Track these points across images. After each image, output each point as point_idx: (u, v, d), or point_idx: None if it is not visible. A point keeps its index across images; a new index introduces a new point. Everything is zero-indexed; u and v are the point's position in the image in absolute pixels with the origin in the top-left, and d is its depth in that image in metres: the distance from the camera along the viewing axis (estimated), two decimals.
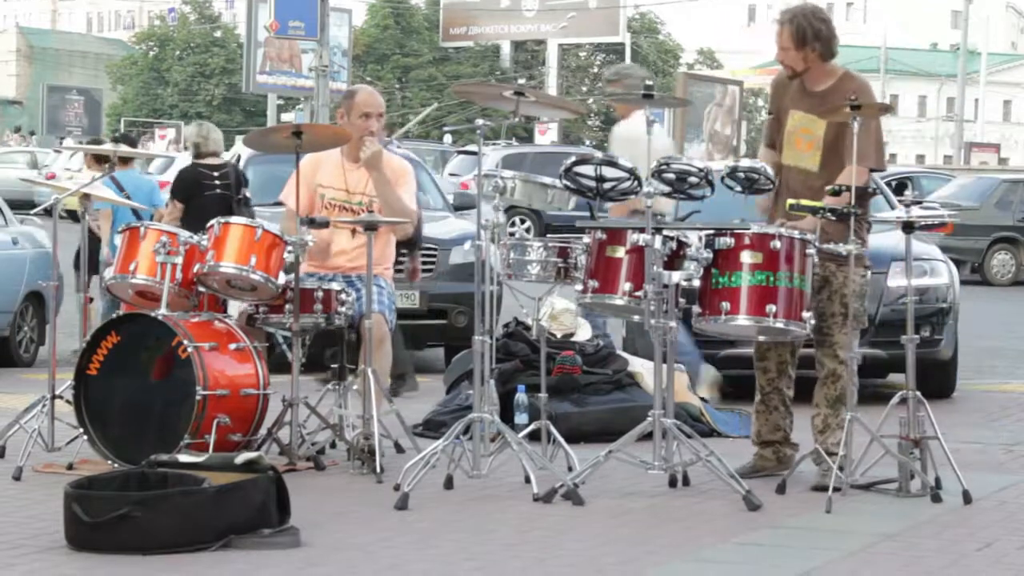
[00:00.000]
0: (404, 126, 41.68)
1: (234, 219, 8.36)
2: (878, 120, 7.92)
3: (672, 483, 7.61)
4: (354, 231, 8.58)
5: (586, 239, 7.60)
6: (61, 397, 8.25)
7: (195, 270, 8.17)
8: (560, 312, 9.94)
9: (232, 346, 8.03)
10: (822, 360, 7.81)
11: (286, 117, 46.15)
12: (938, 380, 11.11)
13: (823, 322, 7.69)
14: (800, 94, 7.93)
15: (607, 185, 7.69)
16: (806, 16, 7.87)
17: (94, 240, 12.17)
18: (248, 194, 12.36)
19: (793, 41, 7.83)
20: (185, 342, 7.79)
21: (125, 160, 13.28)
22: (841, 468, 7.27)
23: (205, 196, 11.98)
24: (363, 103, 8.76)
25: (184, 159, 20.22)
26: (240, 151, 15.18)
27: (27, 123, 69.06)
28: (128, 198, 11.87)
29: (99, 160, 13.32)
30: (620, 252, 7.45)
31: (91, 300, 9.25)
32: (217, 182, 12.19)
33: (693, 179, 7.53)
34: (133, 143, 17.20)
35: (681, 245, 7.39)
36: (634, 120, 10.26)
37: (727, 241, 7.34)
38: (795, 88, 7.96)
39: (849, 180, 7.46)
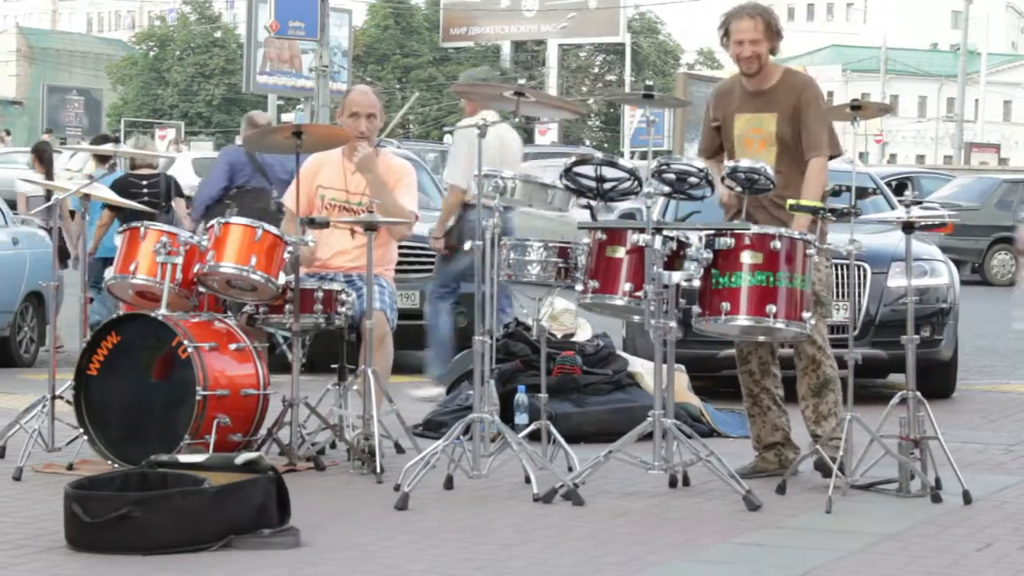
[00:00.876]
0: (404, 127, 41.73)
1: (234, 219, 8.36)
2: (826, 107, 7.97)
3: (672, 483, 7.61)
4: (353, 232, 8.58)
5: (586, 239, 7.60)
6: (61, 397, 8.25)
7: (195, 270, 8.17)
8: (560, 312, 9.95)
9: (232, 346, 8.03)
10: (801, 349, 7.83)
11: (286, 117, 46.16)
12: (938, 380, 11.11)
13: None
14: (743, 97, 8.02)
15: (607, 185, 7.69)
16: (767, 11, 8.00)
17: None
18: (177, 204, 13.35)
19: (765, 33, 7.89)
20: (185, 342, 7.79)
21: (103, 159, 14.14)
22: (841, 469, 7.28)
23: None
24: (351, 102, 8.78)
25: (184, 159, 20.29)
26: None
27: (27, 123, 69.01)
28: None
29: (101, 159, 14.26)
30: (620, 252, 7.45)
31: (91, 300, 9.24)
32: (145, 191, 12.95)
33: (693, 179, 7.53)
34: (109, 142, 17.31)
35: (681, 245, 7.40)
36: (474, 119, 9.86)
37: (727, 241, 7.34)
38: (738, 94, 8.05)
39: (820, 176, 7.58)
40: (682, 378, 9.64)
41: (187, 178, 21.52)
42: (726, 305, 7.32)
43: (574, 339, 9.97)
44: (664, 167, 7.52)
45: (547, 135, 54.83)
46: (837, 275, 10.17)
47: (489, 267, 7.57)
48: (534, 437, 8.07)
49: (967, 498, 7.30)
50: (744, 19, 7.91)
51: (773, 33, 7.93)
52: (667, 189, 7.57)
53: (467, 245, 7.70)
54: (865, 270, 10.88)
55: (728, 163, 7.66)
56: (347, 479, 7.88)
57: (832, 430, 7.65)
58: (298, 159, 8.29)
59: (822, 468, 7.58)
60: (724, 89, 8.19)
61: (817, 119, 7.83)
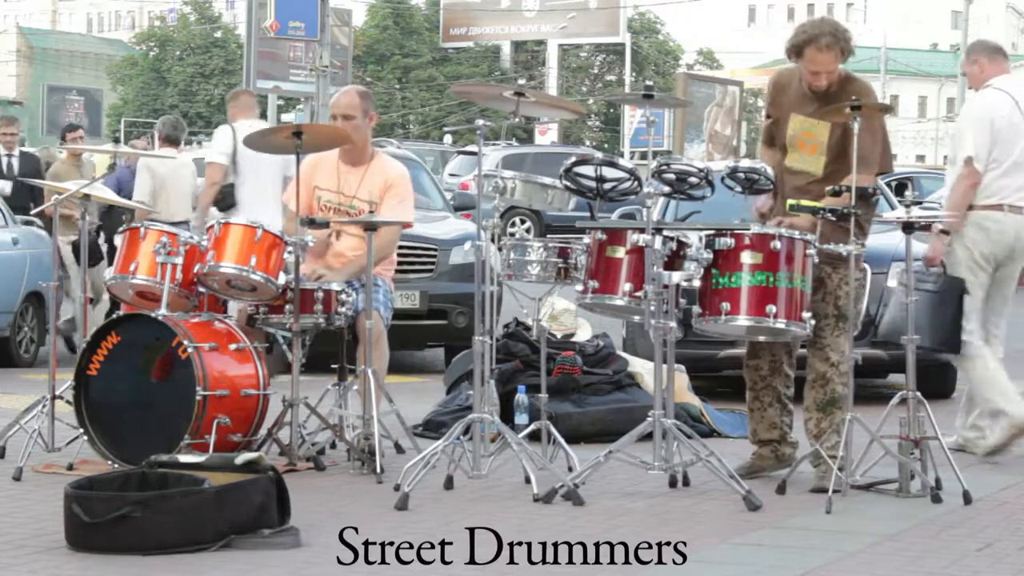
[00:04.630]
0: (404, 127, 41.74)
1: (234, 219, 8.36)
2: (883, 122, 7.90)
3: (672, 483, 7.61)
4: (339, 233, 8.55)
5: (586, 239, 7.60)
6: (61, 397, 8.25)
7: (195, 270, 8.17)
8: (560, 312, 9.95)
9: (232, 346, 8.03)
10: (812, 363, 7.81)
11: (286, 117, 46.13)
12: (938, 380, 11.10)
13: (816, 324, 7.68)
14: (801, 98, 7.89)
15: (607, 185, 7.69)
16: (843, 34, 7.77)
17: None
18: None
19: (839, 62, 7.75)
20: (185, 342, 7.79)
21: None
22: (841, 469, 7.27)
23: None
24: (331, 104, 8.82)
25: (185, 158, 20.26)
26: None
27: (27, 123, 69.01)
28: None
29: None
30: (620, 252, 7.45)
31: (91, 300, 9.24)
32: None
33: (693, 179, 7.52)
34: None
35: (681, 245, 7.39)
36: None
37: (727, 241, 7.34)
38: (795, 91, 7.92)
39: (856, 183, 7.46)
40: (682, 378, 9.64)
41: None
42: (726, 305, 7.32)
43: (574, 339, 9.97)
44: (664, 167, 7.51)
45: (547, 135, 54.89)
46: None
47: (489, 268, 7.58)
48: (534, 437, 8.07)
49: (967, 498, 7.30)
50: (823, 51, 7.68)
51: (845, 56, 7.75)
52: (667, 189, 7.56)
53: (467, 245, 7.71)
54: (865, 270, 10.86)
55: (728, 163, 7.66)
56: (347, 479, 7.88)
57: (831, 447, 7.60)
58: (298, 159, 8.29)
59: (819, 491, 7.48)
60: (781, 83, 8.03)
61: (869, 133, 7.60)
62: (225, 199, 12.08)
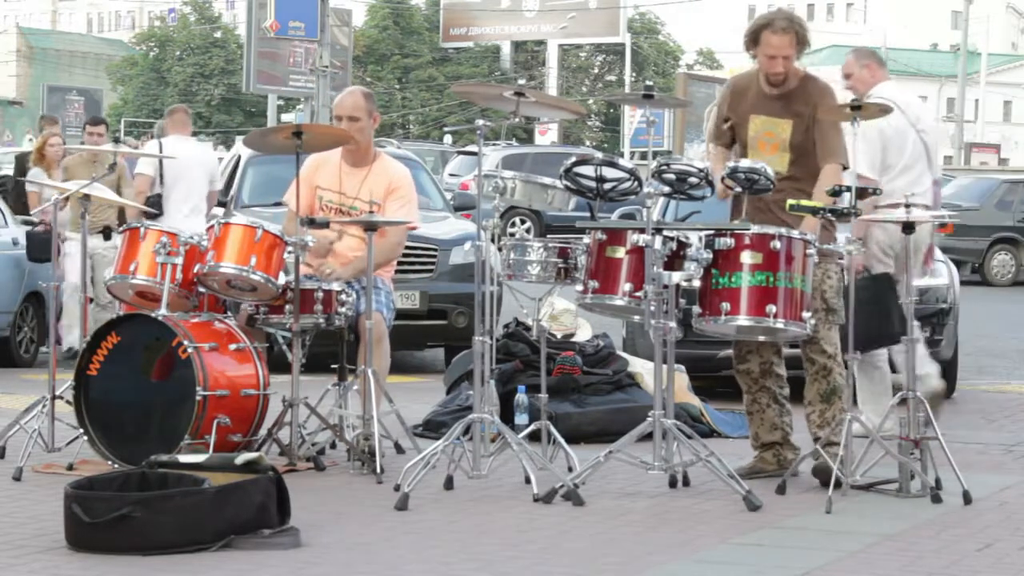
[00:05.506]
0: (404, 127, 41.75)
1: (234, 219, 8.36)
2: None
3: (672, 483, 7.61)
4: (341, 234, 8.55)
5: (586, 239, 7.60)
6: (61, 397, 8.25)
7: (195, 270, 8.17)
8: (560, 312, 9.95)
9: (232, 346, 8.03)
10: (811, 357, 7.83)
11: (286, 117, 46.11)
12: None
13: None
14: (760, 98, 7.96)
15: (607, 185, 7.69)
16: (799, 21, 7.94)
17: None
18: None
19: (795, 48, 7.84)
20: (185, 342, 7.79)
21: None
22: (840, 469, 7.27)
23: None
24: (335, 105, 8.82)
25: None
26: (240, 151, 15.16)
27: (27, 123, 68.98)
28: None
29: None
30: (620, 252, 7.45)
31: (91, 300, 9.24)
32: None
33: (693, 179, 7.53)
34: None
35: (681, 245, 7.39)
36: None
37: (727, 241, 7.34)
38: (754, 93, 8.00)
39: (834, 181, 7.56)
40: (682, 378, 9.64)
41: None
42: (726, 305, 7.32)
43: (574, 339, 9.97)
44: (664, 167, 7.51)
45: (547, 135, 54.89)
46: None
47: (489, 268, 7.58)
48: (534, 437, 8.07)
49: (967, 498, 7.30)
50: (778, 33, 7.80)
51: (800, 47, 7.86)
52: (667, 189, 7.56)
53: (467, 245, 7.72)
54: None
55: (728, 163, 7.65)
56: (347, 479, 7.88)
57: (831, 435, 7.63)
58: (298, 159, 8.29)
59: (820, 475, 7.56)
60: (740, 86, 8.10)
61: (833, 127, 7.78)
62: (152, 208, 12.92)
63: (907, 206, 7.61)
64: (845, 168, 7.89)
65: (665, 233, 7.33)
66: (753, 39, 7.89)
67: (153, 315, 7.93)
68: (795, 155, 7.85)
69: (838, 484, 7.14)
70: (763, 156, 7.85)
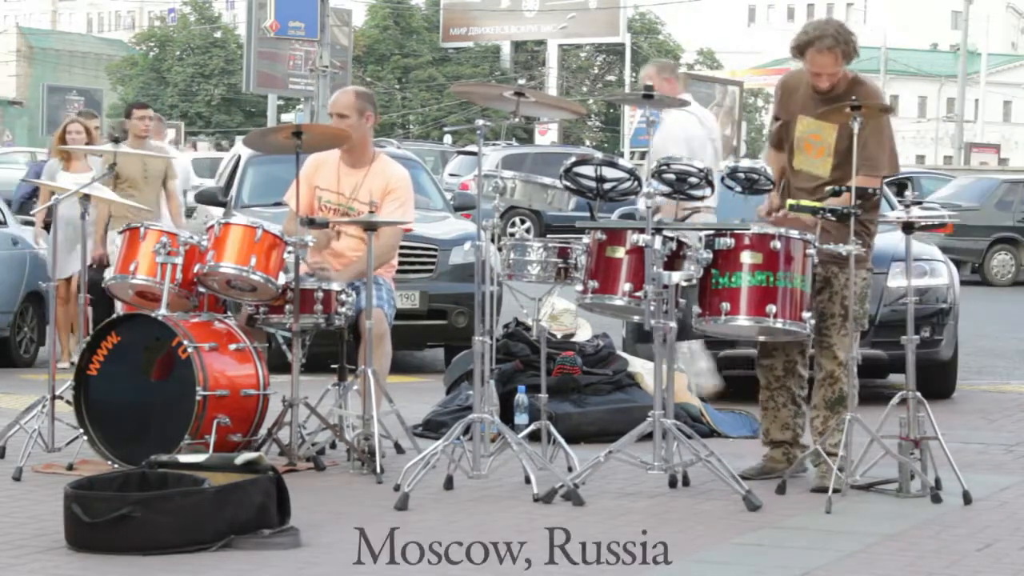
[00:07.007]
0: (404, 127, 41.76)
1: (234, 219, 8.35)
2: (890, 125, 7.89)
3: (672, 483, 7.61)
4: (339, 233, 8.55)
5: (586, 239, 7.60)
6: (61, 397, 8.25)
7: (195, 271, 8.17)
8: (560, 312, 9.95)
9: (232, 346, 8.03)
10: (820, 362, 7.81)
11: (286, 117, 46.11)
12: (938, 380, 11.10)
13: (823, 323, 7.69)
14: (809, 100, 7.86)
15: (607, 185, 7.69)
16: (846, 36, 7.74)
17: None
18: None
19: (841, 64, 7.74)
20: (185, 342, 7.79)
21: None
22: (841, 469, 7.27)
23: None
24: (329, 103, 8.83)
25: (185, 158, 20.28)
26: (240, 151, 15.16)
27: (27, 123, 69.00)
28: None
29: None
30: (620, 252, 7.45)
31: (91, 301, 9.23)
32: None
33: (693, 179, 7.52)
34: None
35: (681, 245, 7.39)
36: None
37: (727, 241, 7.34)
38: (803, 93, 7.89)
39: (861, 184, 7.45)
40: (682, 378, 9.63)
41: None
42: (726, 305, 7.32)
43: (574, 339, 9.96)
44: (664, 167, 7.51)
45: (547, 135, 54.88)
46: None
47: (489, 268, 7.58)
48: (534, 437, 8.07)
49: (967, 498, 7.30)
50: (823, 53, 7.66)
51: (848, 58, 7.73)
52: (667, 189, 7.56)
53: (467, 245, 7.71)
54: (871, 270, 10.86)
55: (728, 163, 7.65)
56: (347, 479, 7.88)
57: (833, 445, 7.61)
58: (298, 159, 8.29)
59: (819, 491, 7.48)
60: (790, 85, 8.00)
61: (873, 136, 7.62)
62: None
63: (907, 206, 7.60)
64: (886, 178, 7.82)
65: (665, 233, 7.33)
66: (800, 52, 7.77)
67: (153, 315, 7.93)
68: (838, 160, 7.75)
69: (837, 490, 7.13)
70: (808, 158, 7.80)
